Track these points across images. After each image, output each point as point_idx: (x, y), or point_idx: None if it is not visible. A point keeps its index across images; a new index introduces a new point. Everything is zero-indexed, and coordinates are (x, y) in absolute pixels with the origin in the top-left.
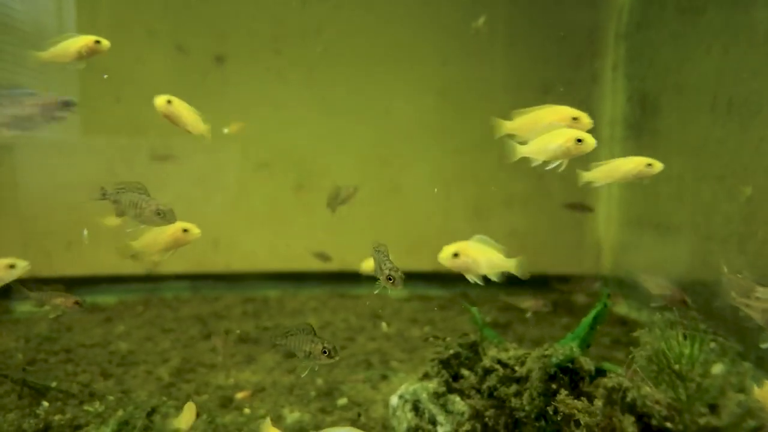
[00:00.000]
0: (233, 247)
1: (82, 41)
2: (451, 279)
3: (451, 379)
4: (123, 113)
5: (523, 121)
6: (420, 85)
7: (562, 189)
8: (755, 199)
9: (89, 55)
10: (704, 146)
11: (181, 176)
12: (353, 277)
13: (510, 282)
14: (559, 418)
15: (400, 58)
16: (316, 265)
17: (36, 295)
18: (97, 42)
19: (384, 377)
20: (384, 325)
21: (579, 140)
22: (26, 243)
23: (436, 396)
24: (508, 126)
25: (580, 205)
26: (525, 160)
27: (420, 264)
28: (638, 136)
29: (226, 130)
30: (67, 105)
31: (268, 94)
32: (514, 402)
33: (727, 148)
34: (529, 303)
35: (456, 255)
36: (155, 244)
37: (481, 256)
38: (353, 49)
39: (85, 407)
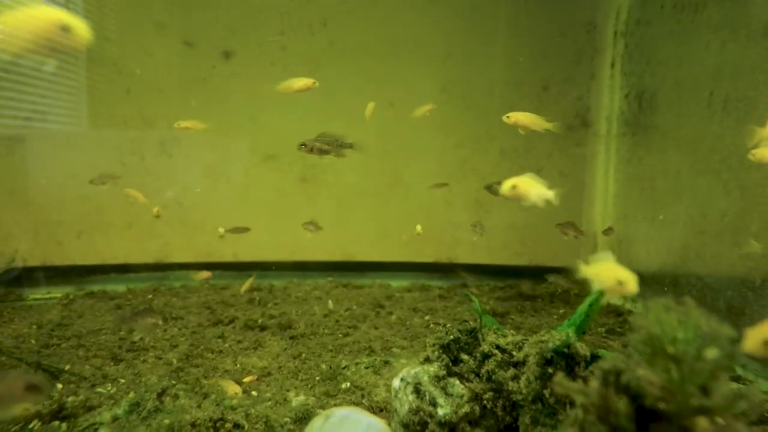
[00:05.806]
0: (240, 237)
1: None
2: (452, 270)
3: (451, 363)
4: (133, 105)
5: None
6: (423, 80)
7: (561, 184)
8: (750, 193)
9: None
10: (701, 142)
11: (189, 168)
12: (356, 267)
13: (509, 274)
14: (554, 401)
15: (404, 53)
16: (320, 256)
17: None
18: None
19: (386, 363)
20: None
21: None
22: (38, 232)
23: (437, 379)
24: None
25: (572, 228)
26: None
27: (422, 255)
28: (635, 132)
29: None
30: None
31: (274, 88)
32: (512, 385)
33: (723, 144)
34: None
35: (514, 187)
36: None
37: (531, 188)
38: (358, 43)
39: (98, 389)
